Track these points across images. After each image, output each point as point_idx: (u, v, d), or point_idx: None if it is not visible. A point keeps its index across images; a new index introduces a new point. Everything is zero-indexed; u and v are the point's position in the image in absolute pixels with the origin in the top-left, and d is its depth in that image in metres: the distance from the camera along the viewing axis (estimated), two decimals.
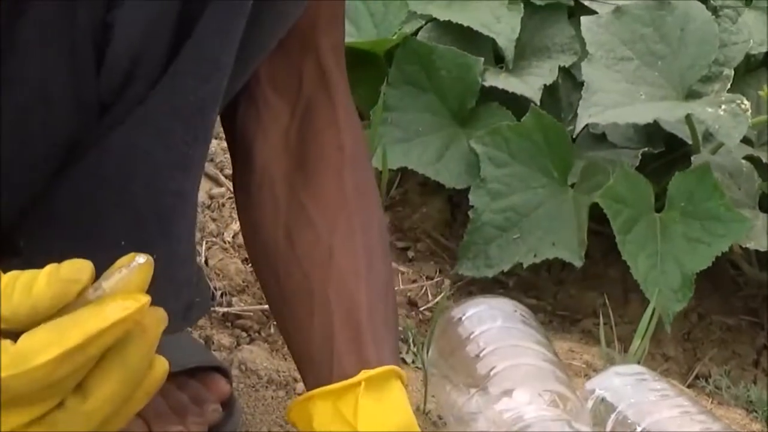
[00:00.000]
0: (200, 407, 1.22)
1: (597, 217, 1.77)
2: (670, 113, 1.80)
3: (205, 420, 1.21)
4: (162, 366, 0.85)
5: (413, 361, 1.51)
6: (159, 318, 0.84)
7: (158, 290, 0.84)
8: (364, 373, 1.06)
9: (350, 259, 1.12)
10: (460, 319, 1.35)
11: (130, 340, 0.82)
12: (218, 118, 1.10)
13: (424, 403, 1.39)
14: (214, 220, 1.72)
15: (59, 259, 0.83)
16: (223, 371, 1.27)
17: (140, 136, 1.00)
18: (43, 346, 0.80)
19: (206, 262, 1.61)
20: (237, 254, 1.65)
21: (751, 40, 1.88)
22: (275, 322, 1.35)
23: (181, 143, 1.02)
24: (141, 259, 0.83)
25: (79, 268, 0.82)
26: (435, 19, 1.96)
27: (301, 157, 1.16)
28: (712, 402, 1.61)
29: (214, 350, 1.44)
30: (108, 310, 0.81)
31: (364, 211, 1.16)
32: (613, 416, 1.27)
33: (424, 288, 1.75)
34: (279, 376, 1.41)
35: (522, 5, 1.98)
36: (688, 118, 1.80)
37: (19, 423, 0.81)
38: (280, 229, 1.15)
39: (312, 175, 1.15)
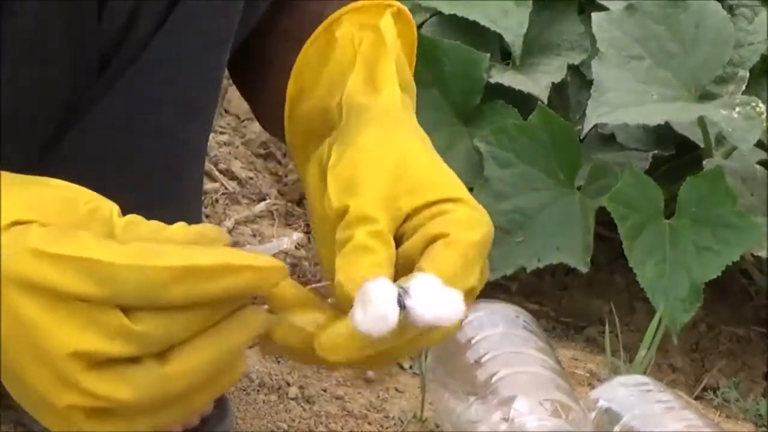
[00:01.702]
0: None
1: (604, 221, 1.75)
2: (682, 115, 1.79)
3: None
4: (243, 365, 0.80)
5: (411, 367, 1.50)
6: (264, 317, 0.79)
7: None
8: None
9: None
10: (460, 324, 1.32)
11: (238, 321, 0.77)
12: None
13: (422, 411, 1.37)
14: (207, 216, 1.71)
15: None
16: None
17: (146, 84, 0.96)
18: (170, 254, 0.74)
19: None
20: None
21: None
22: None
23: (191, 88, 0.98)
24: (296, 238, 0.80)
25: (218, 230, 0.78)
26: (440, 12, 1.95)
27: None
28: (719, 415, 1.59)
29: None
30: (245, 254, 0.76)
31: None
32: (617, 428, 1.25)
33: None
34: (271, 379, 1.39)
35: (531, 0, 1.96)
36: (701, 120, 1.79)
37: (90, 348, 0.73)
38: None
39: None
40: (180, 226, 0.78)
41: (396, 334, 0.78)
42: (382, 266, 0.82)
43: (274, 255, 0.79)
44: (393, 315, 0.77)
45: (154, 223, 0.78)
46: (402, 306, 0.78)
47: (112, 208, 0.78)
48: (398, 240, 0.86)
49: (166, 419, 0.78)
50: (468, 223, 0.86)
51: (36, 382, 0.75)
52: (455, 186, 0.89)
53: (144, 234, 0.77)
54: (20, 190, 0.78)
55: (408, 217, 0.86)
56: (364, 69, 0.97)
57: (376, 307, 0.78)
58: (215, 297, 0.75)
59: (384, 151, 0.90)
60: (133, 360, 0.74)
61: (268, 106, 1.07)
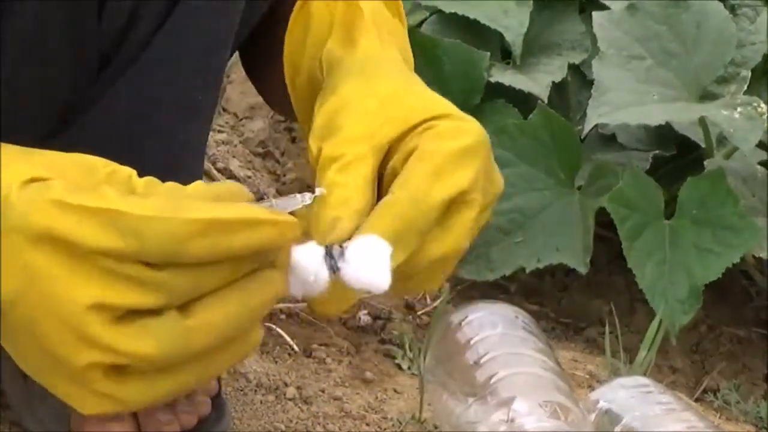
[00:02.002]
0: (189, 398, 1.18)
1: (604, 221, 1.74)
2: (683, 115, 1.78)
3: (194, 410, 1.18)
4: (259, 334, 0.79)
5: (409, 368, 1.50)
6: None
7: None
8: None
9: None
10: (460, 324, 1.33)
11: (261, 279, 0.77)
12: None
13: (420, 412, 1.37)
14: None
15: None
16: None
17: (146, 84, 0.96)
18: (192, 208, 0.73)
19: None
20: None
21: None
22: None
23: (191, 88, 0.98)
24: (318, 192, 0.83)
25: (240, 186, 0.78)
26: (440, 11, 1.94)
27: None
28: (720, 417, 1.58)
29: None
30: (265, 211, 0.75)
31: None
32: (617, 429, 1.24)
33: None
34: (268, 380, 1.39)
35: None
36: (702, 121, 1.78)
37: (111, 300, 0.72)
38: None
39: None
40: (200, 183, 0.77)
41: (337, 292, 0.80)
42: (347, 201, 0.83)
43: (296, 210, 0.80)
44: (320, 279, 0.80)
45: (172, 184, 0.77)
46: (334, 269, 0.80)
47: (130, 171, 0.77)
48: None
49: (185, 381, 0.76)
50: (449, 133, 0.85)
51: (51, 340, 0.73)
52: (441, 104, 0.89)
53: (164, 193, 0.76)
54: (36, 155, 0.77)
55: (395, 143, 0.86)
56: (340, 28, 0.97)
57: (301, 272, 0.80)
58: (237, 252, 0.74)
59: (365, 94, 0.90)
60: (155, 312, 0.73)
61: (276, 94, 1.08)
